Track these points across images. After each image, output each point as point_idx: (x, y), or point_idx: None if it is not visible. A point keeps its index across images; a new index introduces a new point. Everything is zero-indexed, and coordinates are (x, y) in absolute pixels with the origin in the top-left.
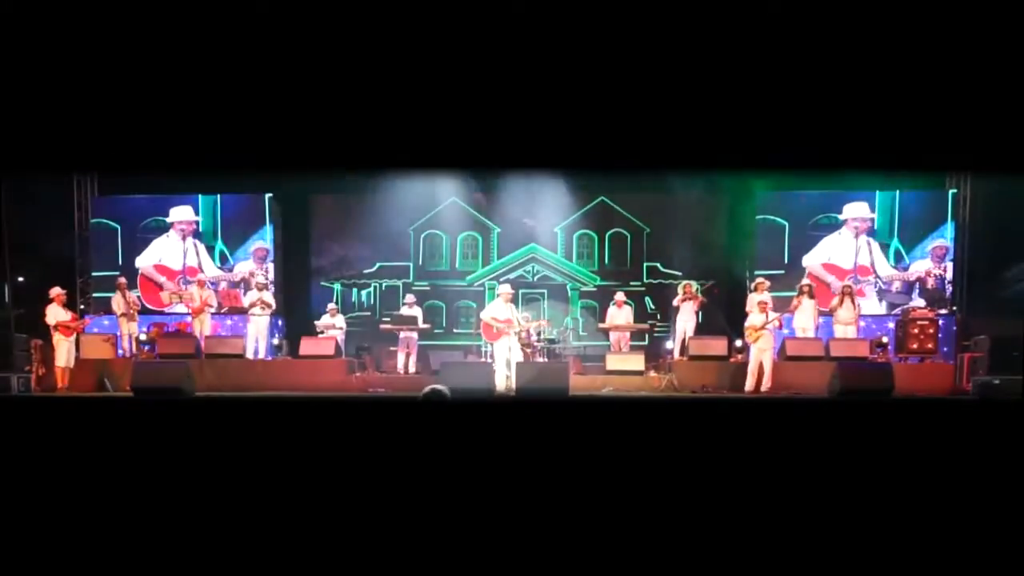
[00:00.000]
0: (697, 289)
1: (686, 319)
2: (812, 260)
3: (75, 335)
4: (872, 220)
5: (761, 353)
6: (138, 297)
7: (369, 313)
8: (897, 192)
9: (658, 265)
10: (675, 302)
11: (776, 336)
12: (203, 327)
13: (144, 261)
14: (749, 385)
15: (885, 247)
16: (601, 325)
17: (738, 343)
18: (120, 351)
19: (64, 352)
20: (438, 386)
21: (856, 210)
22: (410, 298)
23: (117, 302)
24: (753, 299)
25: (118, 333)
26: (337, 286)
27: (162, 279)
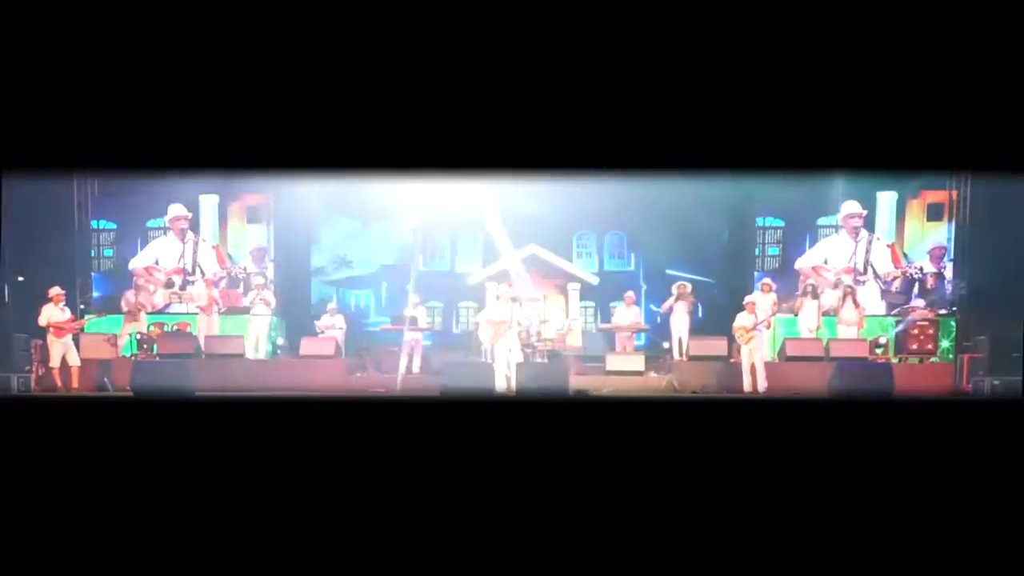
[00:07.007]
0: (691, 290)
1: (679, 320)
2: (804, 263)
3: (69, 336)
4: (862, 216)
5: (752, 354)
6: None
7: (369, 314)
8: (896, 193)
9: (659, 265)
10: (667, 304)
11: (766, 336)
12: (211, 326)
13: (137, 263)
14: (746, 386)
15: (888, 246)
16: (602, 325)
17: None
18: (130, 351)
19: (57, 353)
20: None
21: (848, 207)
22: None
23: (126, 300)
24: (749, 300)
25: (118, 332)
26: (337, 287)
27: (150, 279)
